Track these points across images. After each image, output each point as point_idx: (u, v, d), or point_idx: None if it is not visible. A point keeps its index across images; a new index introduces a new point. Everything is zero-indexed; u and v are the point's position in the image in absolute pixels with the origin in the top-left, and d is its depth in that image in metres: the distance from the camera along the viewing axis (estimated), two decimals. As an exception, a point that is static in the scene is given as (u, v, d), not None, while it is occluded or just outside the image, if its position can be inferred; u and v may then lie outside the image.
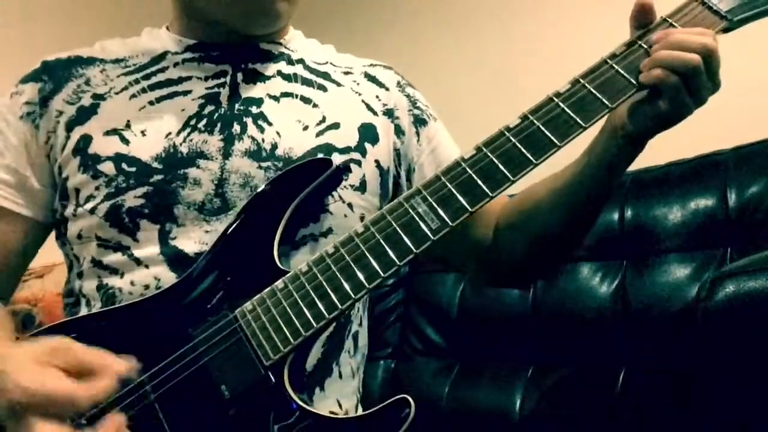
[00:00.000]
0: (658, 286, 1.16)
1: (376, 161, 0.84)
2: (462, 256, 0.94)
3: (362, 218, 0.81)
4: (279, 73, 0.86)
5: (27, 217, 0.81)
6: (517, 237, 0.83)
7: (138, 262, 0.75)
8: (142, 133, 0.78)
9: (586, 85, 0.66)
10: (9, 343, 0.65)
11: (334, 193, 0.79)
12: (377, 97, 0.89)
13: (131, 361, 0.62)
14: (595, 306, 1.21)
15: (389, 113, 0.89)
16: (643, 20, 0.69)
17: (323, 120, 0.83)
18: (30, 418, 0.57)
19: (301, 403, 0.64)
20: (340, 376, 0.81)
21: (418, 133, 0.91)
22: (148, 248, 0.75)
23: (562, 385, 1.21)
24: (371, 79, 0.91)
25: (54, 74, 0.83)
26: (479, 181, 0.66)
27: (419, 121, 0.91)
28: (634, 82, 0.66)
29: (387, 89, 0.91)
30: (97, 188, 0.76)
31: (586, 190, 0.75)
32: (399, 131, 0.89)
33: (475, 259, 0.91)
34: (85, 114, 0.80)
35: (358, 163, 0.82)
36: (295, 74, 0.86)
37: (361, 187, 0.82)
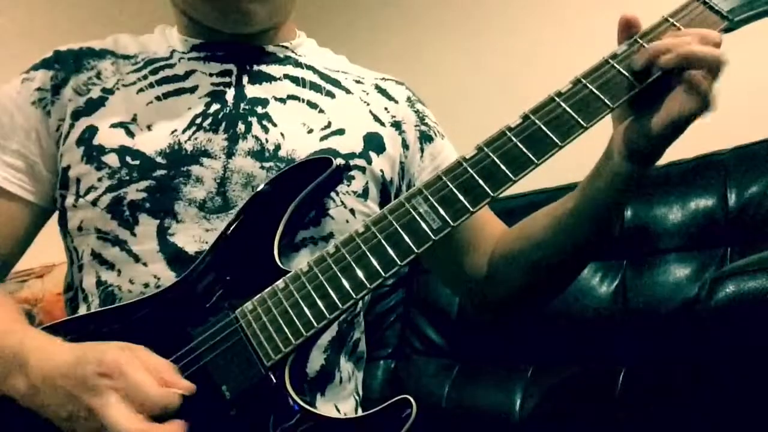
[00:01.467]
0: (658, 286, 1.16)
1: (381, 170, 0.84)
2: (454, 283, 0.95)
3: None
4: (287, 76, 0.86)
5: (32, 203, 0.81)
6: (515, 264, 0.82)
7: (136, 258, 0.75)
8: (148, 127, 0.78)
9: (588, 84, 0.66)
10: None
11: (336, 198, 0.79)
12: (386, 109, 0.89)
13: (193, 386, 0.62)
14: (595, 306, 1.21)
15: (397, 125, 0.89)
16: (630, 35, 0.69)
17: (328, 125, 0.83)
18: (113, 395, 0.58)
19: (302, 404, 0.64)
20: (340, 381, 0.81)
21: (422, 149, 0.91)
22: (146, 244, 0.75)
23: (562, 385, 1.21)
24: (381, 91, 0.91)
25: (66, 63, 0.83)
26: (480, 181, 0.66)
27: (425, 138, 0.91)
28: (636, 81, 0.66)
29: (396, 102, 0.91)
30: (99, 179, 0.76)
31: (589, 217, 0.74)
32: (404, 145, 0.89)
33: (466, 288, 0.91)
34: (92, 105, 0.80)
35: (362, 170, 0.82)
36: (303, 78, 0.86)
37: (364, 194, 0.82)
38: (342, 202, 0.80)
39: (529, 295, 0.84)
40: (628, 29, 0.68)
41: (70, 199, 0.79)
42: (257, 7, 0.81)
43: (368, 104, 0.88)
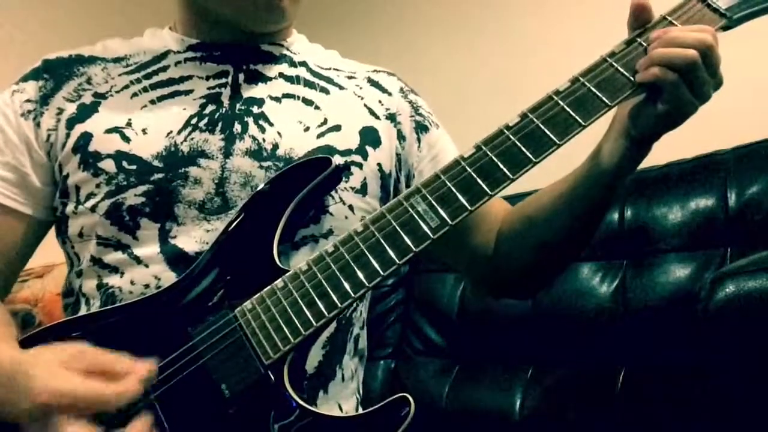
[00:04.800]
0: (658, 286, 1.16)
1: (378, 164, 0.84)
2: (462, 265, 0.94)
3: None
4: (281, 74, 0.86)
5: (27, 215, 0.81)
6: (520, 244, 0.83)
7: (138, 260, 0.75)
8: (143, 131, 0.78)
9: (586, 83, 0.66)
10: (28, 351, 0.65)
11: (335, 194, 0.79)
12: (380, 101, 0.89)
13: (152, 362, 0.63)
14: (595, 306, 1.21)
15: (392, 118, 0.89)
16: (641, 20, 0.69)
17: (324, 122, 0.83)
18: (57, 419, 0.58)
19: (301, 402, 0.64)
20: (342, 378, 0.81)
21: (419, 140, 0.90)
22: (148, 247, 0.75)
23: (562, 385, 1.21)
24: (374, 84, 0.91)
25: (55, 72, 0.82)
26: (479, 180, 0.66)
27: (421, 128, 0.91)
28: (634, 80, 0.66)
29: (390, 94, 0.91)
30: (97, 186, 0.76)
31: (590, 196, 0.75)
32: (400, 136, 0.89)
33: (475, 269, 0.91)
34: (85, 112, 0.80)
35: (359, 165, 0.82)
36: (297, 76, 0.86)
37: (362, 190, 0.82)
38: (341, 198, 0.80)
39: (537, 272, 0.85)
40: (640, 16, 0.68)
41: (70, 207, 0.79)
42: (289, 4, 0.81)
43: (362, 98, 0.88)
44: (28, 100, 0.81)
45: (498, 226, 0.87)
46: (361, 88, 0.90)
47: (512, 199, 1.24)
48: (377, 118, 0.87)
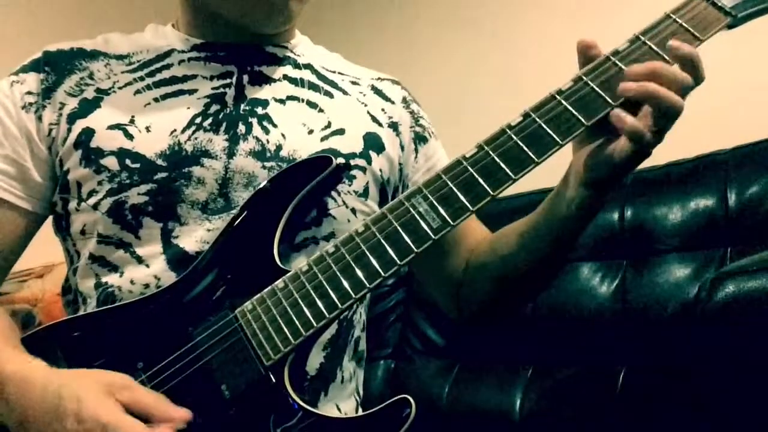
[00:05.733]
0: (658, 286, 1.16)
1: (381, 170, 0.84)
2: (433, 286, 0.95)
3: None
4: (285, 76, 0.86)
5: (25, 209, 0.80)
6: (484, 275, 0.84)
7: (139, 260, 0.75)
8: (147, 129, 0.77)
9: (589, 82, 0.66)
10: (69, 371, 0.64)
11: (337, 197, 0.79)
12: (383, 110, 0.90)
13: (188, 412, 0.62)
14: (595, 306, 1.21)
15: (394, 126, 0.89)
16: (589, 57, 0.67)
17: (328, 125, 0.82)
18: None
19: (302, 403, 0.64)
20: (342, 380, 0.81)
21: (416, 150, 0.91)
22: (150, 246, 0.75)
23: (562, 385, 1.21)
24: (378, 92, 0.92)
25: (56, 65, 0.81)
26: (480, 180, 0.65)
27: (420, 138, 0.92)
28: None
29: (393, 103, 0.91)
30: (99, 183, 0.76)
31: (552, 237, 0.74)
32: (401, 146, 0.89)
33: (445, 291, 0.92)
34: (88, 107, 0.79)
35: (363, 169, 0.82)
36: (302, 78, 0.86)
37: (364, 194, 0.82)
38: (343, 201, 0.80)
39: (499, 303, 0.86)
40: (587, 52, 0.67)
41: (72, 203, 0.78)
42: (296, 6, 0.81)
43: (366, 105, 0.88)
44: (29, 92, 0.80)
45: (470, 252, 0.88)
46: (364, 95, 0.90)
47: (513, 200, 1.25)
48: (380, 125, 0.87)
